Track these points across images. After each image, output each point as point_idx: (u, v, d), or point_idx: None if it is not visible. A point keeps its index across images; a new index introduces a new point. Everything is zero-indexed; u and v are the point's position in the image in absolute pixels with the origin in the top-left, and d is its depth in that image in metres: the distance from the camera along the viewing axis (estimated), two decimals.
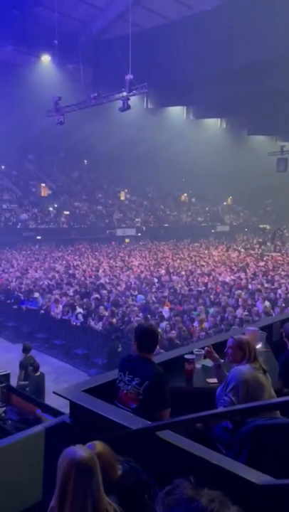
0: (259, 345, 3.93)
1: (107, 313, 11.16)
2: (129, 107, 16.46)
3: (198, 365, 3.52)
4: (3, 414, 4.84)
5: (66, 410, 6.92)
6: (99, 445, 2.06)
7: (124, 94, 16.26)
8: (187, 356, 3.40)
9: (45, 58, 24.79)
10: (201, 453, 2.02)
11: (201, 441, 2.45)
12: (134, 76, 16.84)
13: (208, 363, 3.67)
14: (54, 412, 4.44)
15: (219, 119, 35.28)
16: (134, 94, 16.46)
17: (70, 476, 1.61)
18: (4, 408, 4.92)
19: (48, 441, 2.62)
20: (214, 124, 35.55)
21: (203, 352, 3.61)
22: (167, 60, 21.15)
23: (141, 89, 16.06)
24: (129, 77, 15.75)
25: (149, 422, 2.40)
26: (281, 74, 19.42)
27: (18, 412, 4.86)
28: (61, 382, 10.16)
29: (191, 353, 3.56)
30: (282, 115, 25.95)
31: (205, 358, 3.70)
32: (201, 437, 2.76)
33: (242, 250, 25.65)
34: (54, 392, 2.86)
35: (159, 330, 9.83)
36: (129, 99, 16.40)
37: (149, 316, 11.19)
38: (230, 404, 2.71)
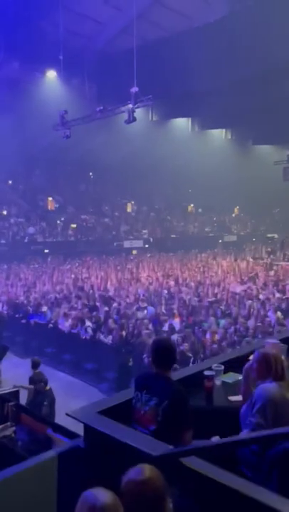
0: None
1: (116, 327, 10.98)
2: (134, 119, 16.48)
3: (217, 382, 3.34)
4: (13, 435, 4.67)
5: (77, 428, 6.71)
6: (148, 470, 1.76)
7: (130, 106, 16.28)
8: (206, 373, 3.22)
9: (51, 74, 25.07)
10: (233, 483, 1.84)
11: (224, 463, 2.27)
12: (139, 89, 16.90)
13: (229, 378, 3.49)
14: (66, 432, 4.26)
15: (224, 130, 35.38)
16: (139, 107, 16.49)
17: None
18: (14, 428, 4.74)
19: (61, 467, 2.45)
20: (219, 135, 35.63)
21: (222, 367, 3.43)
22: (171, 72, 21.27)
23: (146, 102, 16.09)
24: (134, 89, 15.79)
25: (171, 447, 2.22)
26: (285, 83, 19.43)
27: (29, 431, 4.69)
28: (71, 398, 9.96)
29: (210, 368, 3.37)
30: (287, 124, 25.90)
31: (226, 372, 3.53)
32: (224, 458, 2.58)
33: (250, 260, 25.40)
34: (67, 414, 2.68)
35: None
36: (134, 111, 16.41)
37: (159, 328, 11.01)
38: (258, 426, 2.52)
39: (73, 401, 9.85)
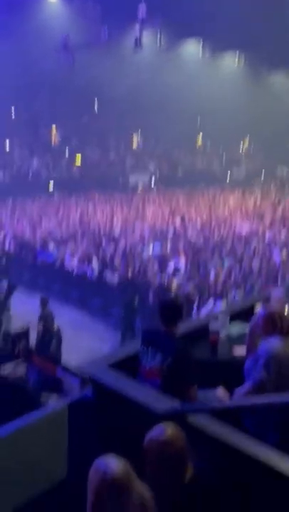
0: (286, 309, 3.76)
1: (122, 266, 11.09)
2: (141, 46, 15.38)
3: (222, 334, 3.40)
4: (24, 373, 4.89)
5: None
6: (170, 429, 1.79)
7: (137, 29, 15.12)
8: (212, 326, 3.26)
9: None
10: (237, 442, 1.91)
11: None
12: (147, 9, 15.59)
13: (234, 330, 3.55)
14: (74, 374, 4.45)
15: (237, 57, 33.20)
16: (146, 28, 15.29)
17: (101, 498, 1.46)
18: (25, 368, 4.96)
19: (71, 417, 2.57)
20: (232, 62, 33.52)
21: (228, 320, 3.48)
22: None
23: (154, 25, 14.89)
24: (141, 7, 14.48)
25: (177, 404, 2.30)
26: None
27: (39, 371, 4.90)
28: (79, 334, 10.34)
29: (216, 321, 3.41)
30: None
31: (231, 322, 3.58)
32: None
33: (258, 196, 25.00)
34: (78, 368, 2.77)
35: (175, 283, 9.80)
36: (141, 36, 15.27)
37: (164, 268, 11.11)
38: (260, 381, 2.59)
39: (82, 337, 10.26)
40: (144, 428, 2.07)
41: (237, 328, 3.55)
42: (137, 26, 15.54)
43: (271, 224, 16.14)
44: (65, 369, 4.60)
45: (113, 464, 1.52)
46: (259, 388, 2.61)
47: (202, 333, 3.38)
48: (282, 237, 14.06)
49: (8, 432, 2.36)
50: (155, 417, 2.25)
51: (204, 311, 8.46)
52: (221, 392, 2.68)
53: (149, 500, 1.54)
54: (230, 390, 2.83)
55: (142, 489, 1.54)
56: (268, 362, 2.64)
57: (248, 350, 2.99)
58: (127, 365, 2.74)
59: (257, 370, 2.66)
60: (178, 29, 24.78)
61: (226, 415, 2.30)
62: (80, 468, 2.24)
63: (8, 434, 2.35)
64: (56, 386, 4.44)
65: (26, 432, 2.38)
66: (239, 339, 3.39)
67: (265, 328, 2.81)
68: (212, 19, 20.75)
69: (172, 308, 2.75)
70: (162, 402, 2.30)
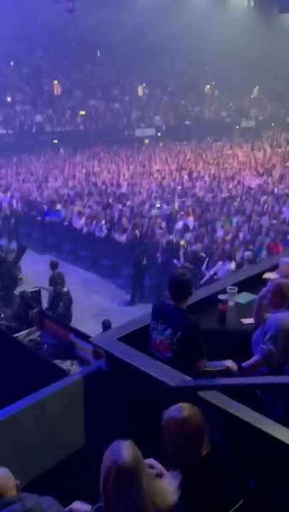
0: None
1: (130, 226, 11.08)
2: None
3: (231, 303, 3.46)
4: (38, 339, 5.08)
5: (98, 328, 7.15)
6: (187, 409, 1.87)
7: None
8: (221, 296, 3.32)
9: None
10: (246, 416, 2.01)
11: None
12: None
13: (242, 299, 3.61)
14: (86, 338, 4.60)
15: None
16: None
17: (109, 479, 1.56)
18: (39, 332, 5.14)
19: (86, 389, 2.70)
20: (241, 2, 31.51)
21: (236, 289, 3.53)
22: None
23: None
24: None
25: (189, 378, 2.40)
26: None
27: (53, 336, 5.08)
28: (89, 293, 10.56)
29: (224, 291, 3.47)
30: None
31: (240, 292, 3.64)
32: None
33: (268, 149, 24.34)
34: (90, 341, 2.87)
35: (183, 243, 9.81)
36: None
37: (172, 227, 11.09)
38: (268, 353, 2.68)
39: (92, 295, 10.48)
40: (156, 401, 2.18)
41: (245, 297, 3.61)
42: None
43: (281, 179, 15.83)
44: (78, 333, 4.77)
45: (125, 452, 1.60)
46: (267, 361, 2.71)
47: (211, 301, 3.45)
48: None
49: (27, 403, 2.49)
50: (167, 391, 2.37)
51: (212, 271, 8.53)
52: (229, 363, 2.78)
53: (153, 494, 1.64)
54: (239, 360, 2.93)
55: (149, 481, 1.64)
56: (275, 335, 2.71)
57: (256, 322, 3.06)
58: (136, 339, 2.83)
59: (265, 343, 2.74)
60: None
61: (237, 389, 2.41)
62: (96, 437, 2.40)
63: (27, 406, 2.48)
64: (69, 351, 4.62)
65: (44, 403, 2.51)
66: (247, 307, 3.45)
67: (273, 300, 2.87)
68: None
69: (181, 284, 2.79)
70: (174, 377, 2.40)
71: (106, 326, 7.00)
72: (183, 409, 1.87)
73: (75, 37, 29.27)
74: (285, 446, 1.90)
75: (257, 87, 37.96)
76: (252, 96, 38.17)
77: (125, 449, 1.60)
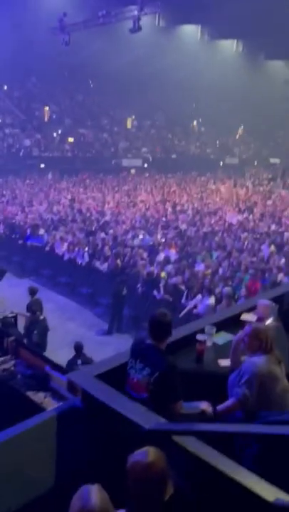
0: (270, 320, 3.87)
1: (111, 254, 11.11)
2: (140, 28, 15.09)
3: (209, 343, 3.49)
4: (12, 368, 4.97)
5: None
6: (152, 453, 1.88)
7: (136, 13, 14.80)
8: (199, 336, 3.35)
9: None
10: (222, 466, 2.01)
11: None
12: None
13: (220, 339, 3.65)
14: (62, 370, 4.53)
15: (235, 42, 32.75)
16: (145, 14, 14.99)
17: None
18: (14, 362, 5.03)
19: (59, 427, 2.65)
20: (230, 47, 33.10)
21: (214, 329, 3.57)
22: None
23: (153, 8, 14.60)
24: None
25: (164, 421, 2.39)
26: None
27: (28, 366, 4.98)
28: (66, 320, 10.44)
29: (202, 331, 3.51)
30: None
31: (217, 332, 3.68)
32: (210, 421, 2.80)
33: (250, 186, 25.05)
34: (67, 378, 2.85)
35: (164, 275, 9.88)
36: (140, 18, 14.96)
37: (154, 258, 11.16)
38: (243, 397, 2.70)
39: (69, 323, 10.36)
40: (130, 443, 2.16)
41: (223, 338, 3.66)
42: (136, 8, 15.14)
43: (261, 217, 16.25)
44: (53, 365, 4.70)
45: (94, 497, 1.60)
46: (242, 404, 2.73)
47: (189, 340, 3.47)
48: (271, 230, 14.19)
49: None
50: (142, 433, 2.35)
51: (192, 304, 8.58)
52: (204, 406, 2.78)
53: None
54: (215, 401, 2.94)
55: None
56: (250, 379, 2.75)
57: (232, 365, 3.09)
58: (114, 377, 2.81)
59: (240, 387, 2.77)
60: (177, 14, 24.32)
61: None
62: (67, 478, 2.34)
63: None
64: (44, 383, 4.54)
65: (15, 441, 2.45)
66: (225, 348, 3.49)
67: (250, 344, 2.92)
68: (211, 6, 20.36)
69: (162, 325, 2.82)
70: (149, 419, 2.39)
71: (78, 348, 7.00)
72: (148, 454, 1.88)
73: (68, 66, 30.00)
74: (257, 498, 1.90)
75: (242, 127, 39.37)
76: (237, 135, 39.50)
77: (94, 494, 1.59)
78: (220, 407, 2.77)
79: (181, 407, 2.66)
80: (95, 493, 1.60)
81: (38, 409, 3.66)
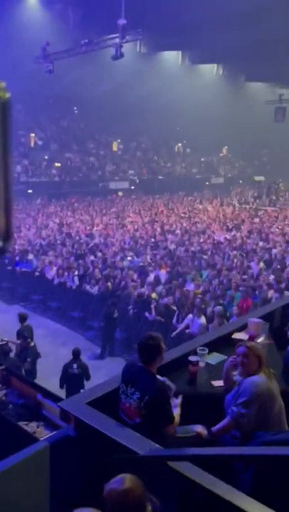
0: (262, 338, 3.88)
1: (102, 277, 11.08)
2: (122, 55, 15.47)
3: (201, 364, 3.48)
4: (3, 398, 4.87)
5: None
6: (129, 480, 1.90)
7: (117, 40, 15.20)
8: (191, 358, 3.34)
9: None
10: (219, 490, 1.99)
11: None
12: (127, 18, 15.65)
13: (212, 360, 3.64)
14: (54, 398, 4.45)
15: (216, 65, 33.69)
16: (127, 41, 15.40)
17: None
18: (5, 391, 4.94)
19: (53, 457, 2.60)
20: (210, 70, 34.01)
21: (206, 351, 3.56)
22: (162, 2, 19.68)
23: (134, 36, 15.02)
24: (122, 21, 14.63)
25: (158, 446, 2.36)
26: (281, 18, 18.29)
27: (19, 395, 4.89)
28: (58, 345, 10.31)
29: (195, 352, 3.50)
30: (281, 61, 24.78)
31: (210, 353, 3.66)
32: (206, 443, 2.77)
33: (236, 205, 25.39)
34: (58, 406, 2.80)
35: (155, 296, 9.86)
36: (122, 46, 15.36)
37: (144, 279, 11.16)
38: (238, 416, 2.68)
39: (61, 348, 10.21)
40: (125, 469, 2.12)
41: (215, 358, 3.64)
42: (117, 35, 15.56)
43: (249, 234, 16.42)
44: (45, 393, 4.62)
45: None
46: (237, 423, 2.71)
47: (182, 362, 3.45)
48: (259, 247, 14.32)
49: None
50: (136, 460, 2.31)
51: (183, 324, 8.56)
52: (199, 429, 2.75)
53: None
54: (210, 423, 2.91)
55: None
56: (250, 400, 2.72)
57: (226, 386, 3.07)
58: (106, 403, 2.78)
59: (236, 406, 2.75)
60: (157, 40, 25.02)
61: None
62: (62, 506, 2.28)
63: None
64: (36, 412, 4.45)
65: (7, 473, 2.39)
66: (218, 368, 3.47)
67: (249, 364, 2.88)
68: (191, 33, 21.03)
69: (150, 348, 2.81)
70: (143, 445, 2.35)
71: (76, 353, 7.28)
72: (124, 481, 1.88)
73: (53, 94, 30.48)
74: None
75: (226, 147, 40.14)
76: (221, 155, 40.23)
77: None
78: (215, 428, 2.75)
79: (174, 430, 2.64)
80: None
81: (31, 439, 3.58)
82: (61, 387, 7.24)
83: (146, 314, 9.50)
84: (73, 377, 7.14)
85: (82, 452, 2.61)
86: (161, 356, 2.83)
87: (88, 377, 7.21)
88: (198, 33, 21.04)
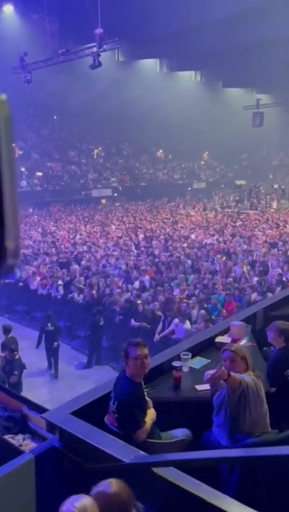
0: (245, 340, 3.92)
1: (87, 285, 11.05)
2: (100, 64, 15.55)
3: (185, 369, 3.50)
4: None
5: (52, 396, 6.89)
6: (115, 484, 1.93)
7: (94, 50, 15.28)
8: (175, 363, 3.35)
9: (8, 8, 22.98)
10: (204, 494, 2.00)
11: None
12: (104, 28, 15.76)
13: (196, 364, 3.66)
14: (40, 409, 4.42)
15: (194, 72, 34.10)
16: (104, 50, 15.49)
17: None
18: None
19: (38, 468, 2.58)
20: (189, 77, 34.40)
21: (190, 355, 3.58)
22: (139, 11, 19.90)
23: (112, 45, 15.12)
24: (98, 31, 14.73)
25: (142, 453, 2.37)
26: (258, 24, 18.66)
27: (4, 408, 4.83)
28: (44, 356, 10.22)
29: (178, 358, 3.52)
30: (257, 67, 25.23)
31: (193, 358, 3.69)
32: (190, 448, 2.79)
33: (219, 209, 25.62)
34: (42, 417, 2.78)
35: (140, 302, 9.87)
36: (99, 55, 15.44)
37: (129, 286, 11.17)
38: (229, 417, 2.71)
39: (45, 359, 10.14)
40: (111, 477, 2.12)
41: (199, 362, 3.67)
42: (95, 44, 15.65)
43: (232, 237, 16.57)
44: (31, 405, 4.58)
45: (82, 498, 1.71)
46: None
47: (165, 368, 3.47)
48: (242, 250, 14.47)
49: None
50: (121, 468, 2.32)
51: (169, 330, 8.59)
52: (184, 432, 2.77)
53: None
54: (195, 427, 2.93)
55: None
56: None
57: (212, 390, 3.09)
58: (90, 412, 2.78)
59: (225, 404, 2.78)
60: (134, 49, 25.23)
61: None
62: None
63: None
64: (22, 424, 4.40)
65: None
66: (202, 373, 3.49)
67: (237, 367, 2.91)
68: (167, 41, 21.30)
69: (123, 352, 2.85)
70: (127, 453, 2.36)
71: (49, 315, 9.15)
72: (112, 484, 1.91)
73: (32, 104, 30.43)
74: None
75: (206, 152, 40.54)
76: (202, 160, 40.60)
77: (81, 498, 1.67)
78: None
79: (144, 436, 2.66)
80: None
81: (17, 452, 3.54)
82: (37, 346, 9.53)
83: (132, 321, 9.49)
84: (49, 334, 9.38)
85: (67, 462, 2.60)
86: (134, 361, 2.80)
87: (59, 330, 9.59)
88: (173, 41, 21.30)
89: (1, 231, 0.47)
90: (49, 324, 9.36)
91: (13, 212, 0.47)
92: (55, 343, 9.31)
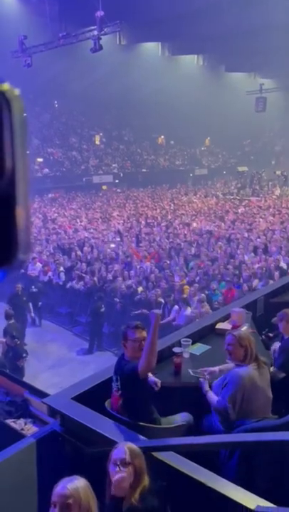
0: (245, 327, 3.92)
1: (88, 271, 11.06)
2: (101, 48, 15.31)
3: (186, 355, 3.51)
4: None
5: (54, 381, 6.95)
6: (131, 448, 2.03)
7: (95, 33, 15.03)
8: (175, 349, 3.37)
9: None
10: (203, 477, 2.03)
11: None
12: (105, 10, 15.49)
13: (196, 350, 3.68)
14: (41, 394, 4.46)
15: (196, 56, 33.58)
16: (105, 33, 15.24)
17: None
18: None
19: (39, 452, 2.61)
20: (191, 61, 33.90)
21: (190, 342, 3.59)
22: None
23: (113, 28, 14.86)
24: (99, 13, 14.47)
25: (142, 438, 2.39)
26: (261, 7, 18.32)
27: (6, 393, 4.88)
28: (47, 342, 10.31)
29: (179, 344, 3.53)
30: (261, 51, 24.84)
31: (194, 344, 3.71)
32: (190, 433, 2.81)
33: (220, 196, 25.48)
34: (43, 402, 2.81)
35: (141, 289, 9.89)
36: (100, 38, 15.20)
37: (130, 272, 11.18)
38: (224, 410, 2.73)
39: (49, 345, 10.22)
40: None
41: (199, 348, 3.68)
42: (95, 28, 15.39)
43: (233, 224, 16.52)
44: (32, 390, 4.63)
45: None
46: (221, 415, 2.76)
47: (166, 354, 3.48)
48: (244, 237, 14.42)
49: None
50: None
51: (171, 317, 8.62)
52: (185, 416, 2.80)
53: None
54: (195, 413, 2.96)
55: None
56: (234, 392, 2.76)
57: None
58: (91, 397, 2.80)
59: (223, 398, 2.79)
60: (136, 32, 24.82)
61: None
62: (49, 502, 2.30)
63: None
64: (24, 409, 4.45)
65: None
66: (202, 358, 3.51)
67: (234, 353, 2.91)
68: (168, 24, 20.92)
69: (122, 335, 2.89)
70: (128, 437, 2.38)
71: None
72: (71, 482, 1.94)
73: (33, 88, 30.08)
74: (238, 507, 1.91)
75: (208, 138, 40.17)
76: (204, 146, 40.26)
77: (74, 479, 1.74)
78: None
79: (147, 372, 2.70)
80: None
81: (19, 436, 3.59)
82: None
83: (133, 308, 9.52)
84: (34, 295, 10.62)
85: (68, 447, 2.63)
86: (132, 344, 2.82)
87: (42, 292, 10.78)
88: (176, 23, 20.93)
89: (13, 227, 0.46)
90: (33, 286, 10.66)
91: (25, 210, 0.46)
92: (40, 303, 10.70)
